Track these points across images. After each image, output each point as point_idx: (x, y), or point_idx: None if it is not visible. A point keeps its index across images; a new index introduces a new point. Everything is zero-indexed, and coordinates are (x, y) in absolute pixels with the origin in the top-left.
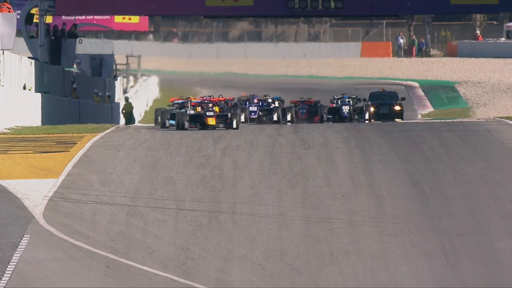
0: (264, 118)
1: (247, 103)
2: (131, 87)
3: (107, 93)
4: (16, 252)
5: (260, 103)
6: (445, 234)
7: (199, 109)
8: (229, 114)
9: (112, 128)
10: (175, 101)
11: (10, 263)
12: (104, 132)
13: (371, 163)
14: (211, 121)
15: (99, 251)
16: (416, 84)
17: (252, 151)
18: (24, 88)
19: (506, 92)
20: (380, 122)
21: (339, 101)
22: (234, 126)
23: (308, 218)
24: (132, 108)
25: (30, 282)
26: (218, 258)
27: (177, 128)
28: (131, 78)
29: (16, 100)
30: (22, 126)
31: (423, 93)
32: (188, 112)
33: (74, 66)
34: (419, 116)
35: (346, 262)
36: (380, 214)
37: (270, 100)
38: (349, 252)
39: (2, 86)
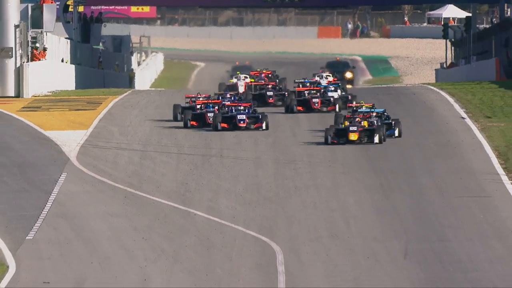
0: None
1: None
2: (143, 60)
3: (125, 65)
4: (56, 186)
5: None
6: (382, 173)
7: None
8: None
9: (129, 91)
10: (192, 97)
11: (52, 194)
12: (123, 95)
13: (326, 118)
14: (353, 136)
15: (119, 185)
16: (359, 58)
17: None
18: (62, 61)
19: (427, 64)
20: None
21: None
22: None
23: (278, 160)
24: (134, 74)
25: (67, 208)
26: (209, 190)
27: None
28: (143, 54)
29: (56, 70)
30: (60, 90)
31: (364, 65)
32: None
33: (100, 44)
34: (361, 83)
35: (306, 193)
36: (333, 157)
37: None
38: (308, 186)
39: (46, 59)
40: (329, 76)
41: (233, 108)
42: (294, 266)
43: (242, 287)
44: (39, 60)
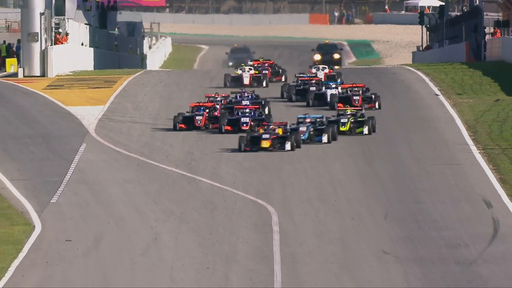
0: None
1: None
2: (154, 44)
3: (137, 48)
4: (76, 155)
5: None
6: (364, 142)
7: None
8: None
9: (141, 71)
10: (211, 97)
11: (73, 162)
12: (136, 74)
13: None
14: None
15: (132, 155)
16: (345, 43)
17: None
18: (82, 44)
19: (405, 47)
20: None
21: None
22: (288, 148)
23: None
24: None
25: (86, 174)
26: (212, 159)
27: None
28: (153, 38)
29: (76, 53)
30: (80, 70)
31: (349, 48)
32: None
33: (115, 29)
34: (346, 64)
35: (298, 162)
36: None
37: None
38: (300, 156)
39: (68, 43)
40: (325, 68)
41: (239, 111)
42: (287, 226)
43: (241, 244)
44: (62, 43)
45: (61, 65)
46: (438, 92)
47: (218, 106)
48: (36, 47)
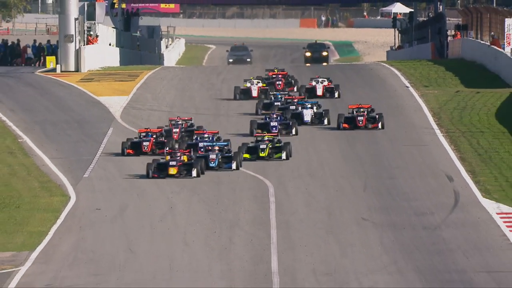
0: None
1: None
2: (170, 44)
3: (156, 48)
4: (105, 137)
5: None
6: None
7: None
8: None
9: (159, 67)
10: (173, 121)
11: (102, 143)
12: (154, 70)
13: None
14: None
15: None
16: (330, 43)
17: (241, 79)
18: (110, 44)
19: (380, 47)
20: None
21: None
22: (194, 174)
23: None
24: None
25: (114, 150)
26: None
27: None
28: (169, 39)
29: (105, 51)
30: (108, 66)
31: (334, 48)
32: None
33: (137, 32)
34: (332, 61)
35: (292, 143)
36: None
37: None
38: (294, 138)
39: (98, 43)
40: (324, 80)
41: (198, 136)
42: (282, 197)
43: (243, 213)
44: (93, 44)
45: (92, 62)
46: (408, 85)
47: (177, 130)
48: (71, 47)
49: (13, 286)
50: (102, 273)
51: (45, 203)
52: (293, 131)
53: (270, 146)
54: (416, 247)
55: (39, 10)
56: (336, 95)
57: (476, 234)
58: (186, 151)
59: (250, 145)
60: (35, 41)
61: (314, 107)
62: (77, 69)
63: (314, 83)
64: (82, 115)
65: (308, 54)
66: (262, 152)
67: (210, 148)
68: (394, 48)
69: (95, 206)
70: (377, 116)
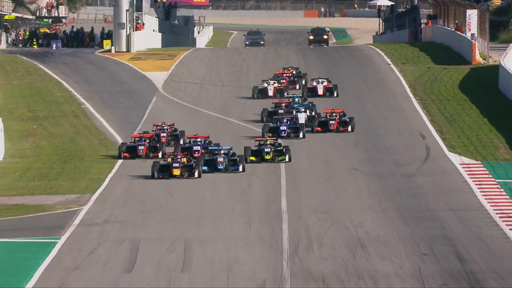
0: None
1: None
2: (201, 30)
3: (190, 33)
4: (150, 104)
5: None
6: (340, 98)
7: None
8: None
9: (192, 49)
10: (158, 125)
11: (147, 109)
12: (189, 51)
13: (311, 64)
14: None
15: (185, 103)
16: (328, 29)
17: (257, 58)
18: (153, 30)
19: (368, 33)
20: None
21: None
22: (196, 176)
23: None
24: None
25: (157, 117)
26: (239, 107)
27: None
28: (201, 27)
29: (149, 36)
30: (152, 48)
31: (331, 33)
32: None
33: (175, 21)
34: (330, 44)
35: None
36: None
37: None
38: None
39: (144, 29)
40: (324, 81)
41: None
42: (293, 172)
43: (259, 164)
44: (140, 30)
45: (139, 44)
46: (390, 62)
47: (165, 134)
48: (123, 33)
49: (78, 221)
50: (148, 211)
51: (103, 156)
52: (301, 135)
53: (273, 149)
54: (396, 191)
55: (98, 3)
56: (335, 94)
57: (443, 181)
58: (183, 153)
59: (254, 148)
60: (103, 28)
61: (308, 111)
62: (128, 50)
63: (315, 83)
64: (132, 86)
65: (311, 37)
66: (267, 155)
67: (217, 152)
68: (378, 33)
69: (142, 159)
70: (348, 119)
